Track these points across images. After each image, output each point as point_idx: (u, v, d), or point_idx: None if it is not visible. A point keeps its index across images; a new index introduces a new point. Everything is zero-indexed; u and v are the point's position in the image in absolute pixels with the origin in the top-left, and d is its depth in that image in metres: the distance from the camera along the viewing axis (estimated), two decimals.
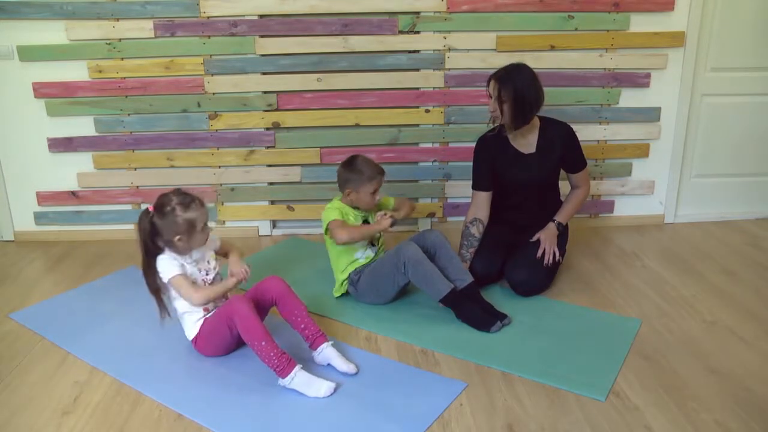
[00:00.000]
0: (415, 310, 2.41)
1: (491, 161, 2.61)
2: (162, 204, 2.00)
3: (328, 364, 2.00)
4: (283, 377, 1.87)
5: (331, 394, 1.87)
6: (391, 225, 2.39)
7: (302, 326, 2.02)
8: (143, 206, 3.21)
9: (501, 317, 2.26)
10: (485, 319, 2.25)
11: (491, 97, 2.47)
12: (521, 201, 2.65)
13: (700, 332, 2.25)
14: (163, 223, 1.98)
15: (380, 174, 2.43)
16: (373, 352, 2.14)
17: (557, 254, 2.53)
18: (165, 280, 2.02)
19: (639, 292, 2.57)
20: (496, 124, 2.56)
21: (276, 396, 1.89)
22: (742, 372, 1.99)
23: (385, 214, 2.40)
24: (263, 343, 1.87)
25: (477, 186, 2.66)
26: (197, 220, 2.00)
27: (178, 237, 1.99)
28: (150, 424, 1.79)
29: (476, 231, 2.61)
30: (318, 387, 1.86)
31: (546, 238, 2.54)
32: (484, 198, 2.65)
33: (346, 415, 1.80)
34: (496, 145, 2.60)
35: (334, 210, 2.45)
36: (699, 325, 2.30)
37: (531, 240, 2.56)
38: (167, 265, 2.01)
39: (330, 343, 2.02)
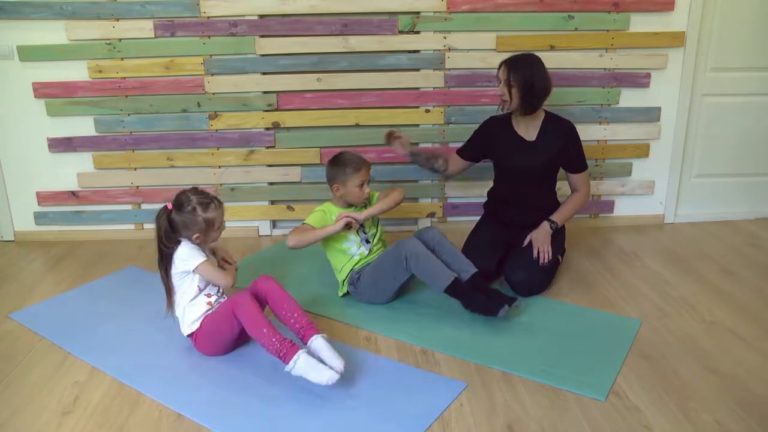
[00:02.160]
0: (415, 310, 2.41)
1: (489, 143, 2.69)
2: (181, 202, 2.05)
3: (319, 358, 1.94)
4: (287, 362, 1.86)
5: (333, 384, 1.83)
6: (347, 226, 2.37)
7: (292, 320, 2.00)
8: (143, 206, 3.23)
9: (509, 301, 2.22)
10: (492, 304, 2.21)
11: (500, 82, 2.51)
12: (517, 190, 2.66)
13: (700, 332, 2.25)
14: (182, 221, 2.04)
15: (365, 165, 2.43)
16: (373, 352, 2.14)
17: (550, 253, 2.53)
18: (191, 268, 2.05)
19: (639, 292, 2.57)
20: (504, 110, 2.61)
21: (276, 396, 1.89)
22: (742, 372, 1.99)
23: (344, 216, 2.37)
24: (265, 331, 1.89)
25: (461, 151, 2.80)
26: (216, 220, 2.07)
27: (196, 235, 2.05)
28: (150, 424, 1.79)
29: (440, 164, 2.77)
30: (321, 373, 1.84)
31: (538, 237, 2.54)
32: (460, 161, 2.79)
33: (346, 414, 1.80)
34: (501, 127, 2.66)
35: (317, 212, 2.47)
36: (699, 325, 2.30)
37: (525, 242, 2.57)
38: (191, 252, 2.06)
39: (322, 335, 1.97)
